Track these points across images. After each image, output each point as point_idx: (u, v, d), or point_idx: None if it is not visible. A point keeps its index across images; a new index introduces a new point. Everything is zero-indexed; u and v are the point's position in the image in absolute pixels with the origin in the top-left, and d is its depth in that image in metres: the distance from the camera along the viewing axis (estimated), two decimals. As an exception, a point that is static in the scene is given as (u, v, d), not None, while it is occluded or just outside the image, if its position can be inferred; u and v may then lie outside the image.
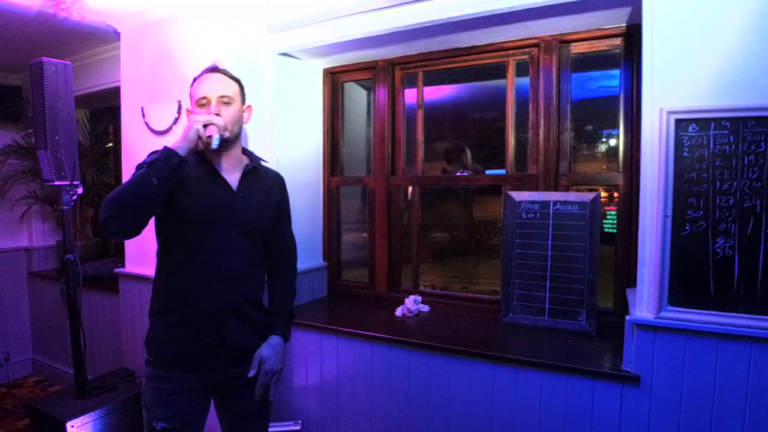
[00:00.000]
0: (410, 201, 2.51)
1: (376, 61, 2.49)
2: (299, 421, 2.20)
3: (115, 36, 2.61)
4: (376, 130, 2.53)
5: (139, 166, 1.37)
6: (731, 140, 1.41)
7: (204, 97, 1.44)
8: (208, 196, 1.45)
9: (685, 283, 1.48)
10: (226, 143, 1.44)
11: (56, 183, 2.07)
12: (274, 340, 1.56)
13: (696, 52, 1.44)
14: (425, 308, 2.31)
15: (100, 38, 2.81)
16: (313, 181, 2.65)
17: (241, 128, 1.52)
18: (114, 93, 2.87)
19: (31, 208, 3.62)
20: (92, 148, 3.52)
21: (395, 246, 2.54)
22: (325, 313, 2.39)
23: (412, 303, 2.27)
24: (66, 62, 2.08)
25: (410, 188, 2.50)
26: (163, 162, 1.30)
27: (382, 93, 2.50)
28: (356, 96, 2.87)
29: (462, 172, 2.55)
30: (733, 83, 1.40)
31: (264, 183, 1.60)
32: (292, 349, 2.27)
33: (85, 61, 3.14)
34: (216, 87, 1.46)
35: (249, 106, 1.58)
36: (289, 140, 2.45)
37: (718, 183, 1.43)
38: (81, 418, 1.98)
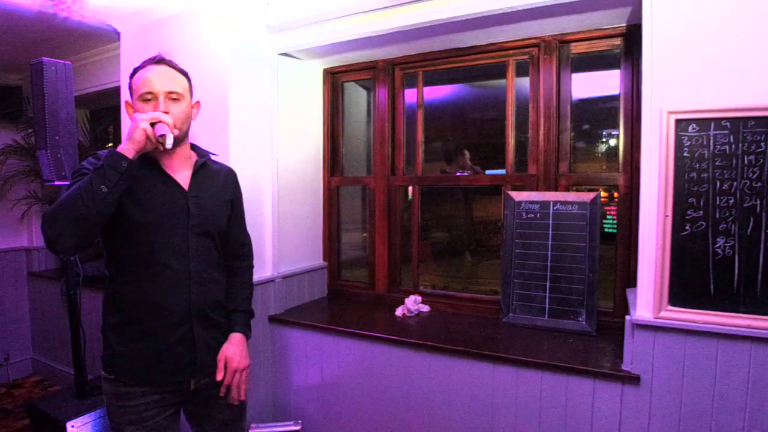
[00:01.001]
0: (410, 201, 2.51)
1: (376, 61, 2.49)
2: (299, 421, 2.20)
3: (116, 36, 2.61)
4: (376, 130, 2.53)
5: (76, 174, 1.26)
6: (731, 140, 1.41)
7: (150, 92, 1.31)
8: (159, 198, 1.35)
9: (685, 283, 1.48)
10: (175, 142, 1.32)
11: (56, 183, 2.07)
12: (236, 338, 1.48)
13: (696, 52, 1.44)
14: (425, 308, 2.31)
15: (100, 38, 2.81)
16: (313, 181, 2.66)
17: (189, 126, 1.42)
18: (114, 93, 2.87)
19: (31, 208, 3.62)
20: (92, 148, 3.52)
21: (395, 246, 2.54)
22: (325, 313, 2.39)
23: (412, 303, 2.27)
24: (66, 62, 2.08)
25: (410, 188, 2.51)
26: (110, 167, 1.17)
27: (382, 93, 2.50)
28: (356, 96, 2.87)
29: (462, 172, 2.56)
30: (733, 83, 1.40)
31: (217, 179, 1.51)
32: (293, 349, 2.27)
33: (85, 61, 3.14)
34: (163, 81, 1.33)
35: (197, 102, 1.47)
36: (289, 140, 2.45)
37: (718, 183, 1.43)
38: (81, 418, 1.98)
